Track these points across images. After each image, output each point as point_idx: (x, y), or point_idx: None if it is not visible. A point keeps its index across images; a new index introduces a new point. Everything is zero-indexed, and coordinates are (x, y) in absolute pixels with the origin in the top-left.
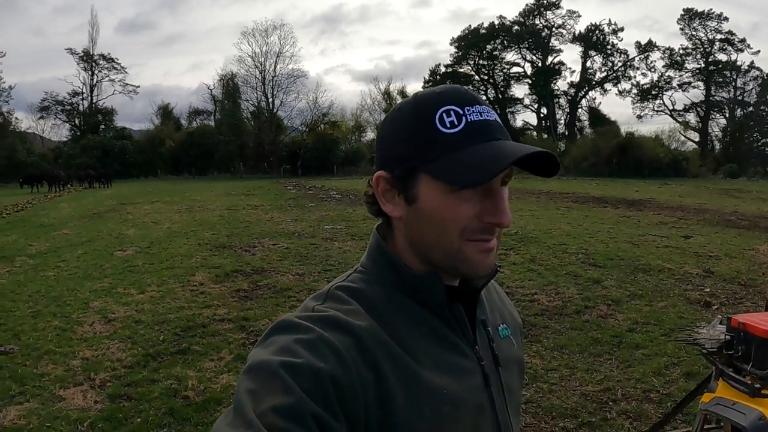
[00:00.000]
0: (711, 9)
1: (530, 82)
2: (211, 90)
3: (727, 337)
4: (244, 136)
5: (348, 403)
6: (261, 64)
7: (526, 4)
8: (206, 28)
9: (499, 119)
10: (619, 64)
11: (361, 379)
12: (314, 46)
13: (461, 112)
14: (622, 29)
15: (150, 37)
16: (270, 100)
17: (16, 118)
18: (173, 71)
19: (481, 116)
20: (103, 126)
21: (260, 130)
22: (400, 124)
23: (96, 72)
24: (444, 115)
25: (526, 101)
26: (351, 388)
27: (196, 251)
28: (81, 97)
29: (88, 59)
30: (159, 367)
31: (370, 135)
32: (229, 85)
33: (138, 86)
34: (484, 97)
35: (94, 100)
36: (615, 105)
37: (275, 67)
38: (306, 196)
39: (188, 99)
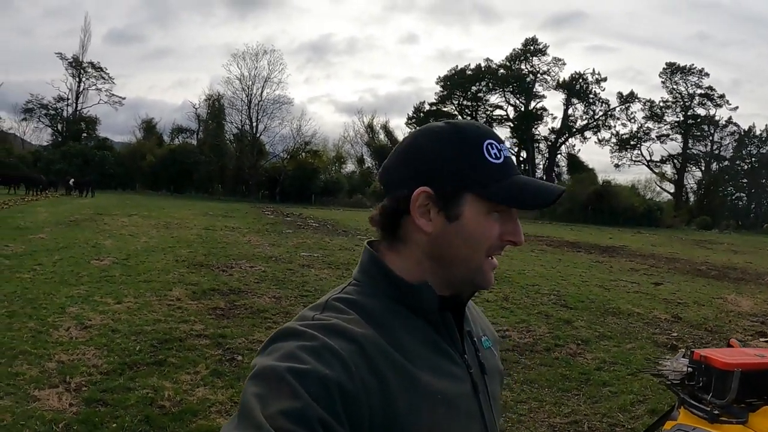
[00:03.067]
0: (693, 64)
1: (512, 125)
2: (196, 108)
3: (689, 369)
4: (226, 157)
5: (352, 409)
6: (248, 87)
7: (513, 49)
8: (194, 46)
9: None
10: (600, 113)
11: (365, 386)
12: (299, 74)
13: (500, 147)
14: (605, 79)
15: (138, 49)
16: (254, 123)
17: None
18: (158, 86)
19: (508, 153)
20: (85, 134)
21: (242, 153)
22: (446, 146)
23: (84, 79)
24: (489, 146)
25: (507, 144)
26: (355, 395)
27: (174, 267)
28: (66, 102)
29: (77, 66)
30: (135, 375)
31: (350, 167)
32: (215, 106)
33: (124, 98)
34: None
35: (79, 107)
36: (593, 153)
37: (262, 91)
38: (284, 222)
39: (172, 115)
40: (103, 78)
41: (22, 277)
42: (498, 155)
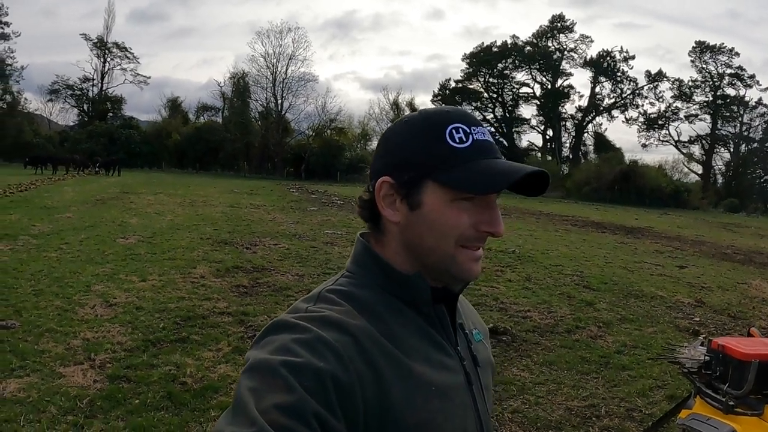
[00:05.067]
0: (723, 43)
1: (538, 103)
2: (221, 87)
3: (706, 358)
4: (251, 135)
5: (347, 401)
6: (273, 65)
7: (540, 26)
8: (218, 24)
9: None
10: (628, 91)
11: (360, 378)
12: (324, 51)
13: (468, 130)
14: (633, 57)
15: (162, 28)
16: (279, 101)
17: (25, 99)
18: (183, 65)
19: (484, 136)
20: (111, 114)
21: (267, 131)
22: (409, 136)
23: (108, 60)
24: (453, 131)
25: (533, 122)
26: (350, 387)
27: (198, 245)
28: (91, 83)
29: (101, 46)
30: (158, 353)
31: (375, 144)
32: (240, 84)
33: (149, 77)
34: (491, 115)
35: (104, 88)
36: (621, 132)
37: (287, 69)
38: (308, 199)
39: (197, 93)
40: (128, 58)
41: (49, 256)
42: (464, 139)
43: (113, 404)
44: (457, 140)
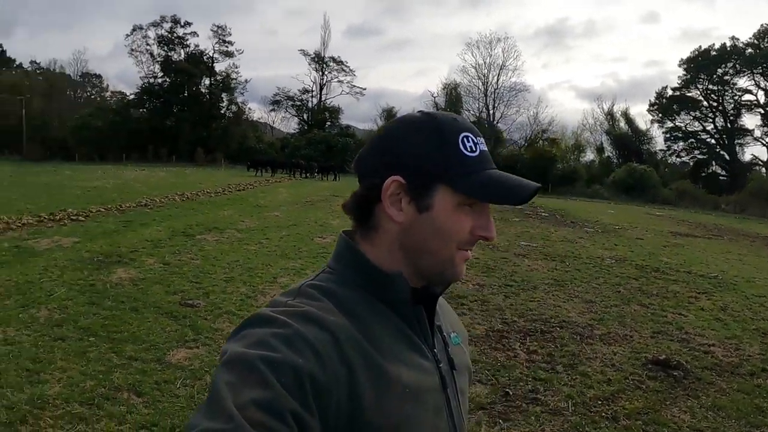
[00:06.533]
0: None
1: (762, 112)
2: (434, 97)
3: None
4: None
5: (323, 399)
6: (484, 76)
7: (762, 25)
8: (430, 36)
9: None
10: None
11: (336, 376)
12: (537, 59)
13: (476, 140)
14: None
15: (376, 41)
16: (491, 111)
17: (250, 109)
18: (398, 76)
19: (484, 147)
20: (328, 123)
21: None
22: (421, 138)
23: (326, 73)
24: (465, 139)
25: (757, 133)
26: (327, 385)
27: None
28: (310, 94)
29: (319, 60)
30: None
31: (589, 155)
32: (452, 94)
33: (364, 88)
34: (711, 126)
35: (323, 99)
36: None
37: (497, 79)
38: (513, 210)
39: (412, 104)
40: (344, 71)
41: (248, 249)
42: (474, 148)
43: None
44: (469, 149)
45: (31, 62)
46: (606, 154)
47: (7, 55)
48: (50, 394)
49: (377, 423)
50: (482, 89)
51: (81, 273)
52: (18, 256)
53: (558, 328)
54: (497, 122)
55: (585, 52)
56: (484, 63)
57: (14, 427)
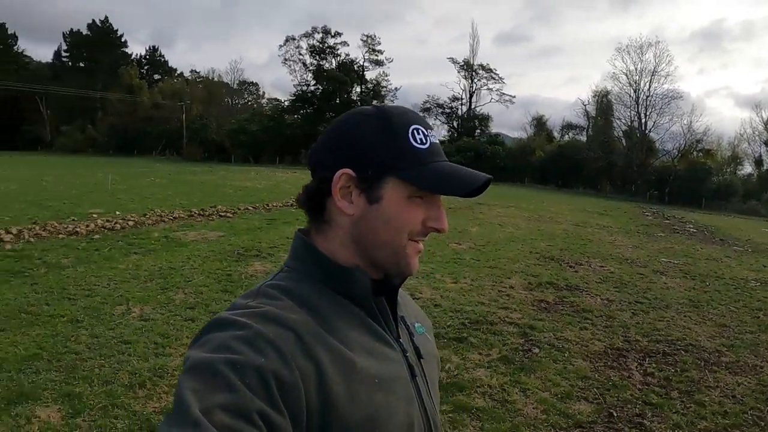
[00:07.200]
0: None
1: None
2: (585, 105)
3: None
4: (614, 154)
5: (290, 397)
6: (635, 82)
7: None
8: (581, 42)
9: None
10: None
11: (302, 372)
12: (692, 65)
13: (426, 132)
14: None
15: (526, 48)
16: (643, 120)
17: None
18: (550, 83)
19: (435, 139)
20: (478, 131)
21: (630, 151)
22: (371, 131)
23: (475, 80)
24: (415, 132)
25: None
26: (293, 383)
27: (524, 257)
28: (460, 102)
29: (468, 68)
30: None
31: (747, 168)
32: (603, 102)
33: (514, 96)
34: None
35: (472, 106)
36: None
37: (650, 85)
38: (660, 224)
39: (563, 112)
40: (494, 78)
41: None
42: (424, 141)
43: None
44: (419, 141)
45: (191, 71)
46: (765, 168)
47: (170, 65)
48: (171, 366)
49: (351, 416)
50: (634, 97)
51: (220, 264)
52: (166, 245)
53: (682, 352)
54: (649, 131)
55: (743, 55)
56: (635, 69)
57: (133, 389)
